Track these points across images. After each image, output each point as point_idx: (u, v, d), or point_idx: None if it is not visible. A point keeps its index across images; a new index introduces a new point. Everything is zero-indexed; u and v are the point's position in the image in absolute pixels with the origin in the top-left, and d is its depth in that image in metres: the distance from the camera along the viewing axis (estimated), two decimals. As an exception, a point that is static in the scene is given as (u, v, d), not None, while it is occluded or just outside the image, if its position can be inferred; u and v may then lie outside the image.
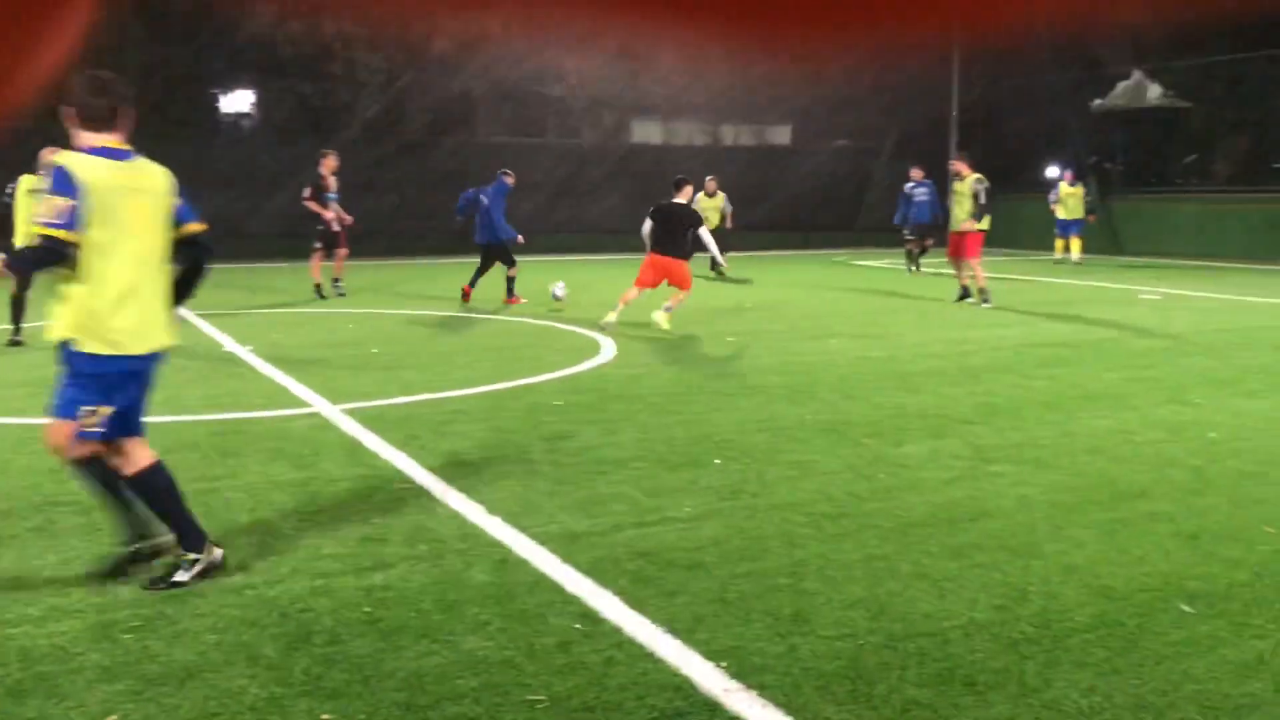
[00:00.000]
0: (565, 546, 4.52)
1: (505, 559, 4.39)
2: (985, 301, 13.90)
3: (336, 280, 15.05)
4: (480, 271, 14.11)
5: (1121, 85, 25.19)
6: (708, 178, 18.78)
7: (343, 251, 14.91)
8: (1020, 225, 26.75)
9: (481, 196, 13.91)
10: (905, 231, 19.77)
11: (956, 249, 14.29)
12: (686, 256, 11.48)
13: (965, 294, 14.24)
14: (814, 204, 27.91)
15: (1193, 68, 24.82)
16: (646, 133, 28.80)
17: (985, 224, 14.17)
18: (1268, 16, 23.45)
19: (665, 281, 11.53)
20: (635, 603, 3.92)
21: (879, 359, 9.58)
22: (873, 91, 28.32)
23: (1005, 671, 3.39)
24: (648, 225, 11.48)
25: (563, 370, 8.88)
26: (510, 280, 13.97)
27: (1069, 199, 21.47)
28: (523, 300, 13.92)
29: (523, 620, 3.76)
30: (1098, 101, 25.65)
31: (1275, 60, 23.20)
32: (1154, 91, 24.36)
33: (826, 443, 6.40)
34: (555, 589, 4.06)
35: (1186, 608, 3.89)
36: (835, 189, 28.31)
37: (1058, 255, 21.98)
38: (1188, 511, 5.05)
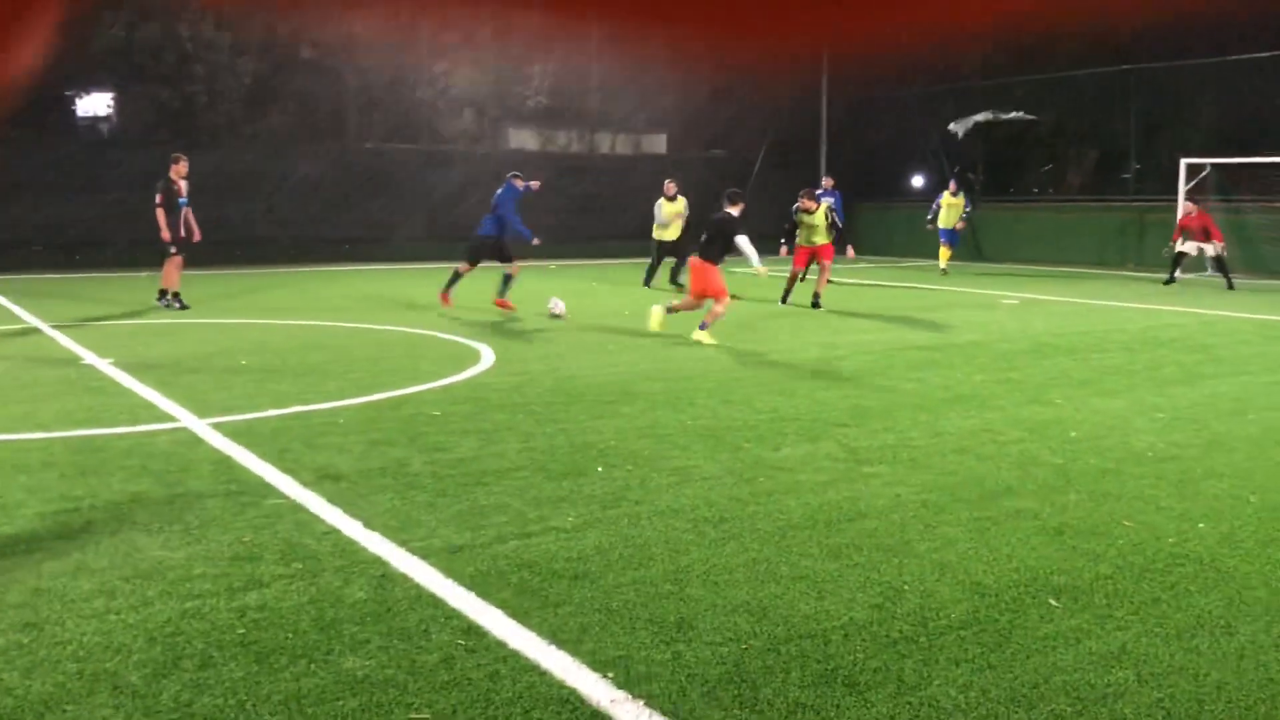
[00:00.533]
0: (446, 560, 4.44)
1: (385, 575, 4.29)
2: (816, 305, 14.86)
3: (164, 292, 14.16)
4: (504, 281, 14.05)
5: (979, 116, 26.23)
6: (666, 180, 18.11)
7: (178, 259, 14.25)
8: (888, 232, 27.61)
9: (496, 202, 13.91)
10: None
11: (822, 254, 15.18)
12: (715, 262, 11.60)
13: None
14: (691, 212, 28.18)
15: (1046, 81, 25.95)
16: (522, 139, 28.68)
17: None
18: (1117, 33, 24.69)
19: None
20: (520, 615, 3.87)
21: (756, 364, 9.72)
22: (745, 104, 28.85)
23: (884, 670, 3.46)
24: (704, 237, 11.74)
25: (441, 380, 8.75)
26: (507, 279, 13.94)
27: (950, 209, 21.93)
28: (513, 308, 13.86)
29: (404, 637, 3.68)
30: (952, 126, 26.60)
31: (1126, 74, 24.43)
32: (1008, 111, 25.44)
33: (707, 448, 6.46)
34: (437, 604, 3.99)
35: (1054, 602, 4.04)
36: (711, 198, 28.67)
37: (943, 265, 22.01)
38: (1052, 508, 5.25)
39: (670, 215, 17.63)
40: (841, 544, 4.69)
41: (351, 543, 4.67)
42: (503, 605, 3.96)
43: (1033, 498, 5.44)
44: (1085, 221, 24.75)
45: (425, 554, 4.51)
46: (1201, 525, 4.99)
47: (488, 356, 9.99)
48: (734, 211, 11.82)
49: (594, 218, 27.00)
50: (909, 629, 3.78)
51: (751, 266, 11.85)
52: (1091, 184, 26.71)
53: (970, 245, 26.81)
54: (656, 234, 17.89)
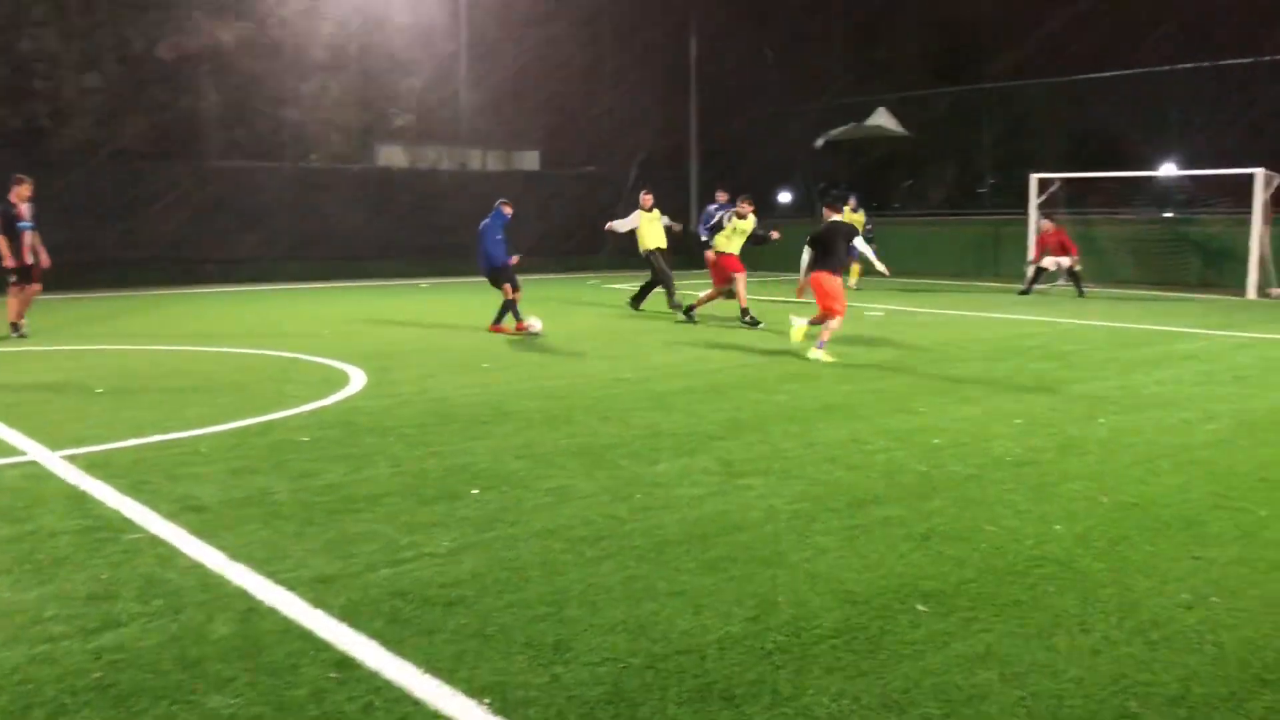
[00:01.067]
0: (316, 591, 4.32)
1: (251, 609, 4.15)
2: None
3: (16, 324, 13.35)
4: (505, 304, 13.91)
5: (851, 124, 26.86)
6: (642, 192, 17.23)
7: (34, 288, 13.62)
8: (759, 247, 28.05)
9: (483, 228, 13.95)
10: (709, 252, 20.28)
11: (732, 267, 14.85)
12: (837, 271, 11.46)
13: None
14: (565, 229, 28.21)
15: (909, 99, 26.85)
16: (391, 157, 28.28)
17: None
18: (973, 54, 25.71)
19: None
20: (393, 644, 3.79)
21: (632, 380, 9.76)
22: (618, 120, 29.07)
23: (760, 682, 3.50)
24: (808, 253, 11.43)
25: (309, 404, 8.53)
26: (507, 305, 13.73)
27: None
28: (508, 329, 13.69)
29: (272, 673, 3.56)
30: (819, 142, 27.25)
31: (980, 92, 25.44)
32: (880, 118, 26.03)
33: (583, 466, 6.45)
34: (307, 637, 3.87)
35: (922, 607, 4.15)
36: (584, 214, 28.75)
37: (854, 281, 21.65)
38: (917, 515, 5.40)
39: (648, 224, 16.75)
40: (717, 557, 4.73)
41: (215, 576, 4.50)
42: (375, 635, 3.87)
43: (899, 505, 5.58)
44: (945, 235, 25.64)
45: (293, 585, 4.38)
46: (1058, 527, 5.20)
47: (358, 379, 9.78)
48: (838, 216, 11.74)
49: (467, 234, 26.79)
50: (783, 640, 3.84)
51: (877, 267, 12.19)
52: (950, 199, 27.70)
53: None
54: (650, 244, 16.72)
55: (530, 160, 30.58)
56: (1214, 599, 4.23)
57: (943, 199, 27.98)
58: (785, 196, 29.34)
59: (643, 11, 28.36)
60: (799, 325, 11.76)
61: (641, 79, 28.89)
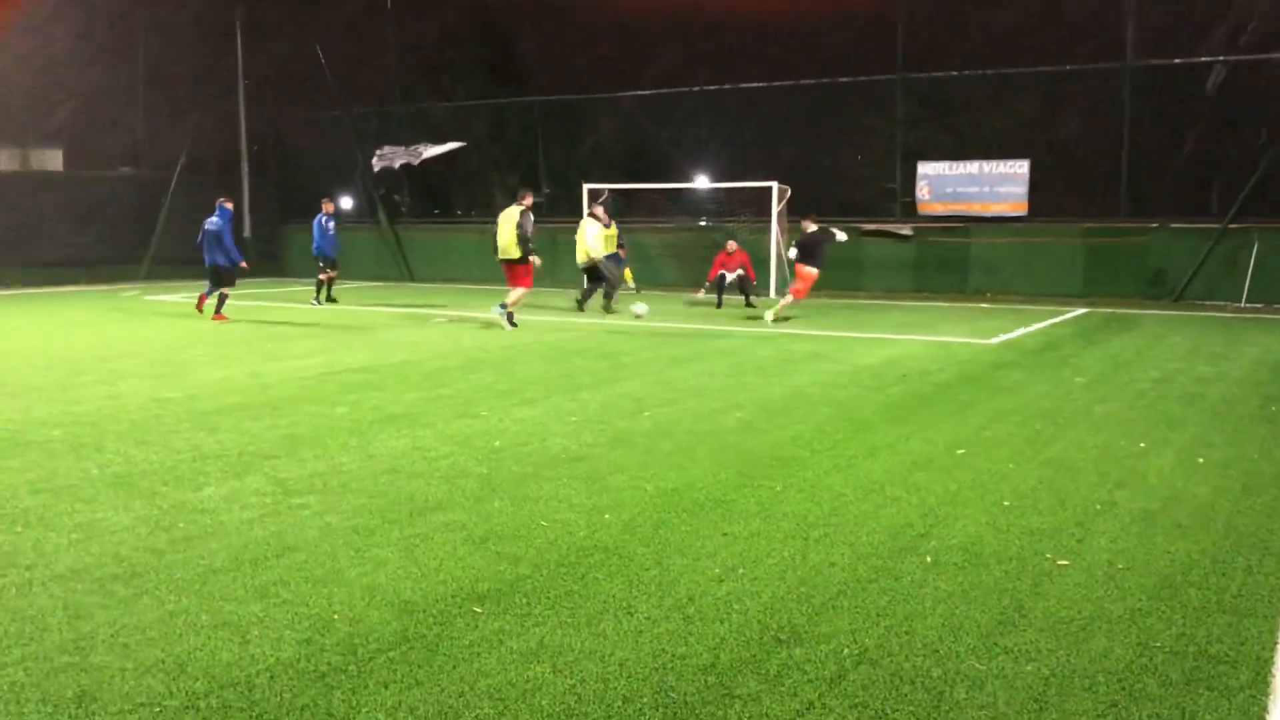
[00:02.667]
0: None
1: None
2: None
3: None
4: (212, 289, 16.56)
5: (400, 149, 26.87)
6: (600, 208, 18.59)
7: None
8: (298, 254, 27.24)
9: (208, 225, 16.22)
10: (320, 263, 19.97)
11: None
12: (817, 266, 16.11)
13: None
14: (98, 235, 25.68)
15: (461, 109, 27.25)
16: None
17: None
18: (510, 66, 26.54)
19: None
20: None
21: (176, 399, 9.06)
22: (159, 116, 26.91)
23: (312, 706, 3.37)
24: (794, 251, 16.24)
25: None
26: (222, 299, 16.35)
27: (608, 239, 21.20)
28: (228, 319, 15.98)
29: None
30: (377, 159, 27.01)
31: (535, 103, 26.32)
32: (431, 151, 26.31)
33: (117, 496, 5.88)
34: None
35: (478, 609, 4.20)
36: (121, 219, 26.34)
37: (630, 283, 20.37)
38: (477, 517, 5.47)
39: (600, 240, 17.91)
40: (268, 582, 4.49)
41: None
42: None
43: (460, 509, 5.63)
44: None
45: None
46: (608, 516, 5.49)
47: None
48: (815, 227, 16.04)
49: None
50: (338, 659, 3.72)
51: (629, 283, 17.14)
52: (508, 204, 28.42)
53: (402, 265, 27.43)
54: (590, 257, 17.94)
55: (53, 160, 27.50)
56: (740, 570, 4.65)
57: (504, 206, 28.63)
58: (347, 203, 28.68)
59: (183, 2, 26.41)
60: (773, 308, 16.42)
61: (186, 74, 26.92)
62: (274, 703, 3.39)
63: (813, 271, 16.04)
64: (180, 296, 21.00)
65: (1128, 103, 20.24)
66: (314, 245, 20.02)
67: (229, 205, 16.63)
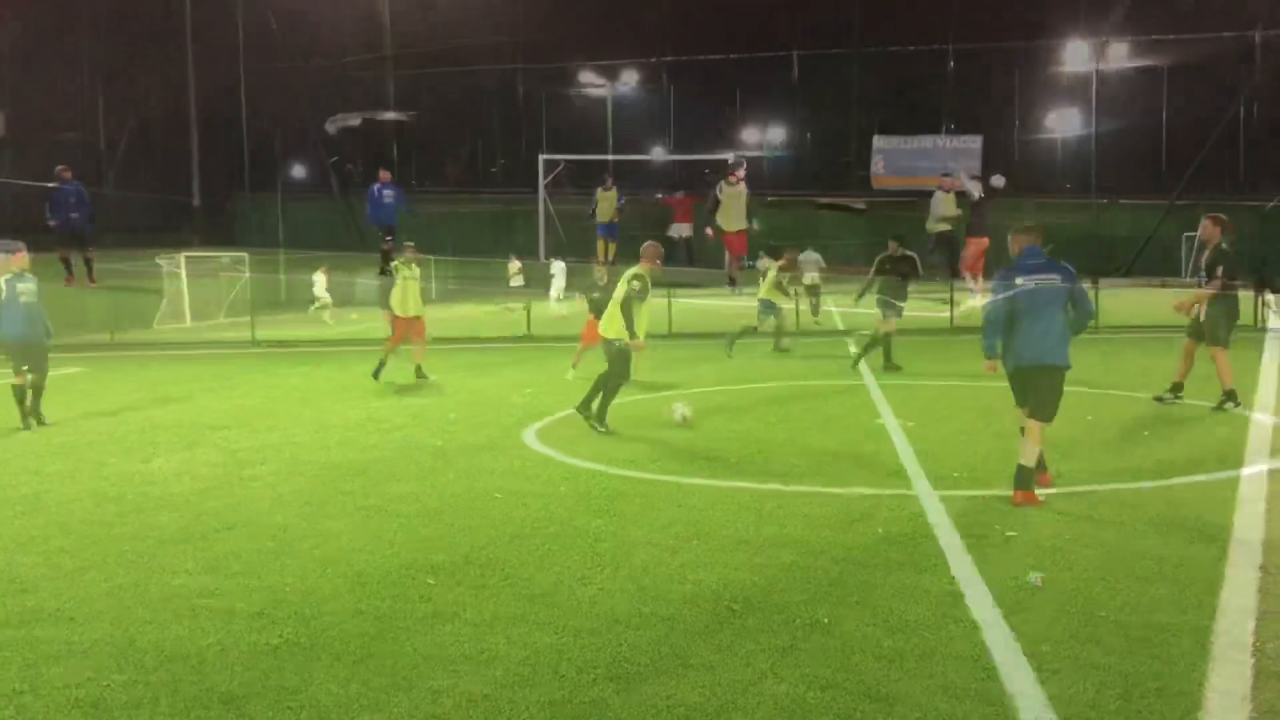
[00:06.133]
0: None
1: None
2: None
3: None
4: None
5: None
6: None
7: None
8: (274, 223, 26.88)
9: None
10: (381, 233, 18.97)
11: None
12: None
13: None
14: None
15: (408, 77, 26.92)
16: None
17: None
18: (486, 37, 26.28)
19: None
20: None
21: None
22: (104, 78, 26.27)
23: (264, 679, 3.33)
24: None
25: None
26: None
27: (603, 202, 20.88)
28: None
29: None
30: (329, 125, 26.65)
31: (487, 74, 26.06)
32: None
33: (64, 467, 5.78)
34: None
35: (431, 580, 4.18)
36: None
37: (603, 259, 19.93)
38: (431, 490, 5.44)
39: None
40: (219, 555, 4.44)
41: None
42: None
43: (414, 481, 5.60)
44: (459, 214, 26.11)
45: None
46: (563, 488, 5.47)
47: None
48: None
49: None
50: (290, 632, 3.69)
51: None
52: (466, 177, 28.21)
53: (353, 233, 27.08)
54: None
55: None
56: (695, 541, 4.67)
57: (459, 177, 28.40)
58: (300, 172, 28.21)
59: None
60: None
61: (131, 32, 26.24)
62: (224, 677, 3.35)
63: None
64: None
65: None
66: (367, 215, 19.17)
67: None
